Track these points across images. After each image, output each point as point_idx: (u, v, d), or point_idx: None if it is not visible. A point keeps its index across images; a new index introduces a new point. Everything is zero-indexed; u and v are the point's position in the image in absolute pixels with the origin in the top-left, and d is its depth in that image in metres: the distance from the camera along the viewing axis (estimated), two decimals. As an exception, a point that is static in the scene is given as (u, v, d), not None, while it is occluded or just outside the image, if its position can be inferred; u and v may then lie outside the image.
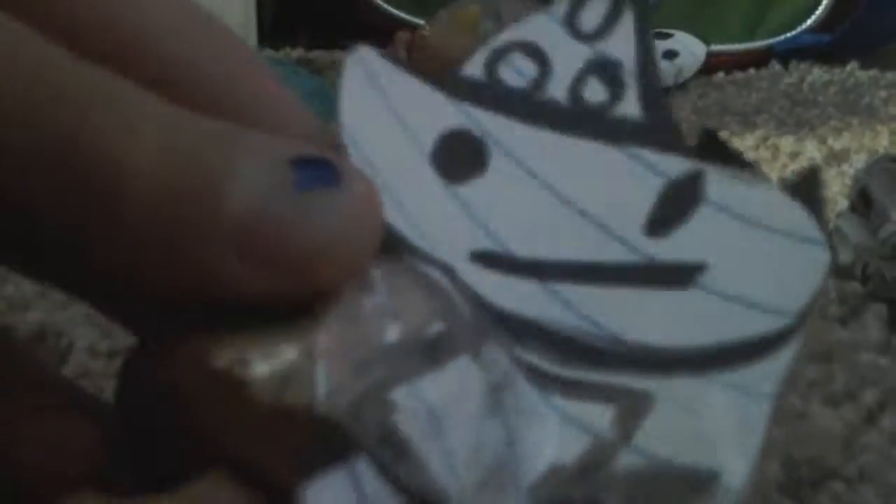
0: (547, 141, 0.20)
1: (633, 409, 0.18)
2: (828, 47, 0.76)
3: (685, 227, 0.19)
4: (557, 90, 0.20)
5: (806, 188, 0.20)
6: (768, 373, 0.18)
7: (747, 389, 0.18)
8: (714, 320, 0.19)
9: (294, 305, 0.15)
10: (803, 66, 0.73)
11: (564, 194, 0.20)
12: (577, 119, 0.20)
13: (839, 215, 0.30)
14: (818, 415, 0.22)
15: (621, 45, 0.21)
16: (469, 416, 0.16)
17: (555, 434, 0.17)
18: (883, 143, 0.50)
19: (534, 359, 0.18)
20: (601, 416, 0.17)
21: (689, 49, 0.67)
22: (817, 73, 0.71)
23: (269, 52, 0.66)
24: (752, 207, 0.20)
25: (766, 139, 0.51)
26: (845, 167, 0.45)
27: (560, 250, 0.19)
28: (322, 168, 0.15)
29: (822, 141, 0.50)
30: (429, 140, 0.19)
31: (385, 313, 0.16)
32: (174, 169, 0.14)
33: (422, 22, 0.61)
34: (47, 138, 0.14)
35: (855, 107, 0.60)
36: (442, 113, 0.20)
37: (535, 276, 0.19)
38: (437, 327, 0.16)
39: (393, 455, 0.15)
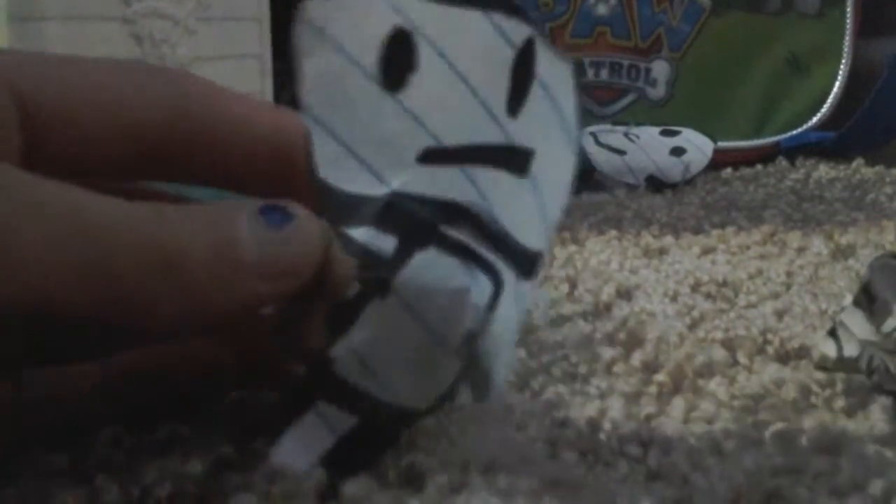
0: (444, 14, 0.22)
1: (499, 290, 0.22)
2: (833, 144, 0.78)
3: (526, 107, 0.22)
4: None
5: None
6: (526, 292, 0.23)
7: (518, 300, 0.23)
8: (530, 222, 0.22)
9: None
10: (809, 162, 0.75)
11: (460, 68, 0.22)
12: None
13: (844, 310, 0.31)
14: (825, 506, 0.22)
15: None
16: (386, 334, 0.21)
17: (470, 303, 0.22)
18: (889, 238, 0.51)
19: (459, 235, 0.22)
20: (488, 290, 0.22)
21: (696, 146, 0.68)
22: (823, 170, 0.72)
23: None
24: (554, 85, 0.22)
25: (773, 234, 0.52)
26: (851, 262, 0.46)
27: (468, 134, 0.22)
28: (278, 209, 0.21)
29: (829, 236, 0.51)
30: (371, 58, 0.22)
31: (321, 290, 0.21)
32: (206, 251, 0.20)
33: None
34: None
35: (860, 202, 0.61)
36: (380, 21, 0.22)
37: (457, 161, 0.22)
38: (353, 289, 0.21)
39: (336, 390, 0.22)
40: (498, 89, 0.22)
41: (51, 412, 0.24)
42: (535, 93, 0.22)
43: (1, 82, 0.21)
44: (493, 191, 0.22)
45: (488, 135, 0.22)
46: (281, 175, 0.24)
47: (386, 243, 0.21)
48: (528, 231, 0.23)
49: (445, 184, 0.22)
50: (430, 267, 0.21)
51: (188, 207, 0.20)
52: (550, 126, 0.22)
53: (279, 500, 0.22)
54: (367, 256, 0.21)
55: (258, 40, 0.69)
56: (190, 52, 0.64)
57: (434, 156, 0.22)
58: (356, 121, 0.22)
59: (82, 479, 0.23)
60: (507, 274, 0.22)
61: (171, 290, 0.19)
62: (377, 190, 0.22)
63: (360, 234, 0.21)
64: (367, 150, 0.22)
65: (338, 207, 0.21)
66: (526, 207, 0.22)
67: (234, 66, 0.68)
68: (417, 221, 0.22)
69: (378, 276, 0.21)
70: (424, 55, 0.21)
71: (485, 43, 0.22)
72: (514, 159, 0.22)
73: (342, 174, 0.22)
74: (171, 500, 0.22)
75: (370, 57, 0.22)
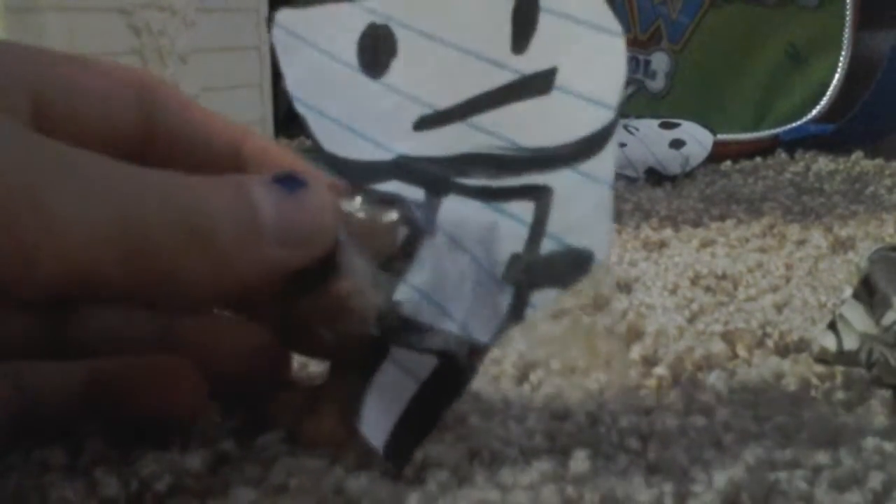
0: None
1: (544, 201, 0.23)
2: (833, 137, 0.77)
3: (536, 38, 0.23)
4: None
5: None
6: (606, 161, 0.23)
7: (595, 177, 0.23)
8: (572, 118, 0.23)
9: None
10: (809, 155, 0.75)
11: (450, 40, 0.23)
12: None
13: (843, 303, 0.31)
14: (825, 499, 0.22)
15: None
16: (443, 270, 0.22)
17: (504, 232, 0.23)
18: (888, 230, 0.51)
19: (477, 181, 0.23)
20: (527, 209, 0.23)
21: (696, 138, 0.68)
22: (823, 162, 0.72)
23: (284, 142, 0.68)
24: (567, 4, 0.23)
25: (772, 227, 0.52)
26: (851, 255, 0.46)
27: (465, 90, 0.23)
28: (292, 178, 0.22)
29: (828, 229, 0.51)
30: (350, 53, 0.24)
31: (369, 244, 0.22)
32: (229, 217, 0.20)
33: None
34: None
35: (860, 195, 0.61)
36: (351, 23, 0.24)
37: (458, 118, 0.23)
38: (402, 232, 0.23)
39: (409, 333, 0.22)
40: (498, 38, 0.23)
41: (35, 407, 0.24)
42: (544, 21, 0.23)
43: (19, 80, 0.22)
44: (507, 123, 0.23)
45: (491, 81, 0.23)
46: None
47: (415, 193, 0.23)
48: (570, 127, 0.23)
49: (449, 141, 0.23)
50: (459, 208, 0.23)
51: (207, 178, 0.21)
52: (570, 35, 0.23)
53: (293, 495, 0.22)
54: (405, 202, 0.23)
55: (256, 31, 0.69)
56: (188, 44, 0.63)
57: (429, 121, 0.23)
58: (346, 103, 0.23)
59: (80, 473, 0.23)
60: (558, 174, 0.23)
61: (197, 257, 0.19)
62: (384, 155, 0.23)
63: (388, 187, 0.23)
64: (363, 126, 0.23)
65: (354, 172, 0.23)
66: (559, 115, 0.23)
67: (233, 58, 0.67)
68: (431, 176, 0.23)
69: (422, 215, 0.23)
70: (404, 39, 0.23)
71: (477, 8, 0.23)
72: (530, 86, 0.23)
73: (346, 145, 0.23)
74: (170, 494, 0.22)
75: (348, 53, 0.24)
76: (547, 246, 0.23)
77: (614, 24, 0.23)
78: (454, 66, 0.23)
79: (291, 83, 0.24)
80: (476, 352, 0.22)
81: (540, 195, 0.23)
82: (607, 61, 0.23)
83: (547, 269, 0.23)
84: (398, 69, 0.24)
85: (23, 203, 0.17)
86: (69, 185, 0.18)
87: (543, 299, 0.23)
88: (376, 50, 0.24)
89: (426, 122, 0.23)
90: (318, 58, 0.24)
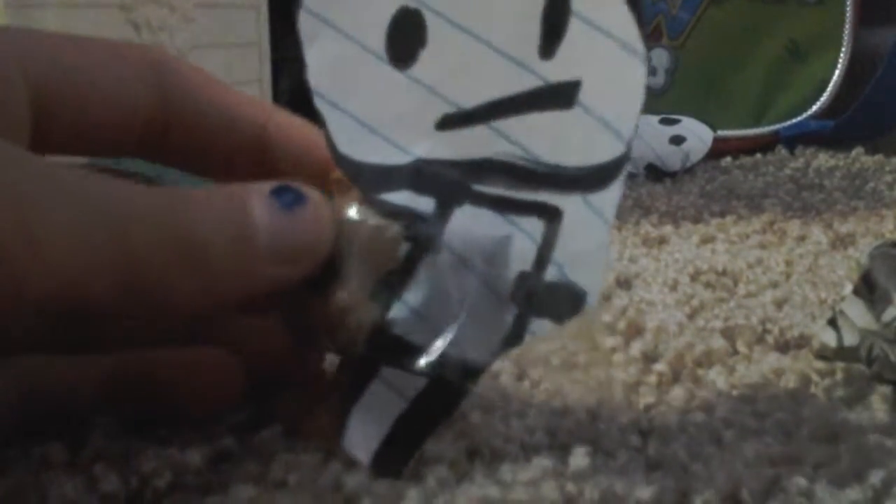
0: None
1: (554, 223, 0.22)
2: (833, 133, 0.77)
3: (564, 45, 0.22)
4: None
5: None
6: (612, 198, 0.22)
7: (600, 212, 0.22)
8: (590, 142, 0.22)
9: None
10: (809, 151, 0.75)
11: (481, 34, 0.22)
12: None
13: (843, 299, 0.31)
14: (825, 496, 0.22)
15: None
16: (442, 290, 0.22)
17: (516, 247, 0.22)
18: (888, 227, 0.51)
19: (493, 189, 0.22)
20: (538, 228, 0.22)
21: (696, 134, 0.68)
22: (823, 158, 0.72)
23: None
24: (598, 14, 0.22)
25: (772, 223, 0.52)
26: (851, 251, 0.46)
27: (490, 90, 0.22)
28: (290, 190, 0.21)
29: (828, 225, 0.51)
30: (378, 40, 0.23)
31: (370, 258, 0.22)
32: (223, 237, 0.20)
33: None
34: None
35: (860, 191, 0.61)
36: (382, 6, 0.22)
37: (482, 120, 0.22)
38: (404, 248, 0.22)
39: (400, 353, 0.22)
40: (527, 39, 0.22)
41: (49, 405, 0.24)
42: (574, 27, 0.22)
43: (15, 64, 0.21)
44: (530, 134, 0.22)
45: (517, 85, 0.22)
46: (260, 168, 0.24)
47: (425, 204, 0.22)
48: (587, 151, 0.23)
49: (470, 144, 0.22)
50: (471, 220, 0.22)
51: (204, 192, 0.20)
52: (597, 49, 0.22)
53: (292, 491, 0.22)
54: (411, 216, 0.22)
55: (256, 28, 0.69)
56: (188, 40, 0.63)
57: (453, 120, 0.23)
58: (368, 98, 0.22)
59: (80, 469, 0.23)
60: (570, 198, 0.22)
61: (189, 277, 0.19)
62: (401, 159, 0.22)
63: (398, 197, 0.22)
64: (383, 124, 0.23)
65: (367, 178, 0.22)
66: (578, 133, 0.22)
67: (233, 54, 0.67)
68: (448, 183, 0.22)
69: (427, 232, 0.22)
70: (434, 28, 0.22)
71: (510, 2, 0.22)
72: (554, 96, 0.22)
73: (364, 148, 0.22)
74: (169, 490, 0.22)
75: (376, 38, 0.22)
76: (551, 272, 0.22)
77: (640, 45, 0.22)
78: (482, 64, 0.22)
79: (313, 75, 0.22)
80: (469, 373, 0.22)
81: (551, 216, 0.22)
82: (628, 85, 0.23)
83: (548, 298, 0.22)
84: (426, 61, 0.23)
85: (9, 225, 0.17)
86: (57, 207, 0.18)
87: (541, 327, 0.22)
88: (405, 38, 0.22)
89: (449, 122, 0.23)
90: (343, 45, 0.22)
